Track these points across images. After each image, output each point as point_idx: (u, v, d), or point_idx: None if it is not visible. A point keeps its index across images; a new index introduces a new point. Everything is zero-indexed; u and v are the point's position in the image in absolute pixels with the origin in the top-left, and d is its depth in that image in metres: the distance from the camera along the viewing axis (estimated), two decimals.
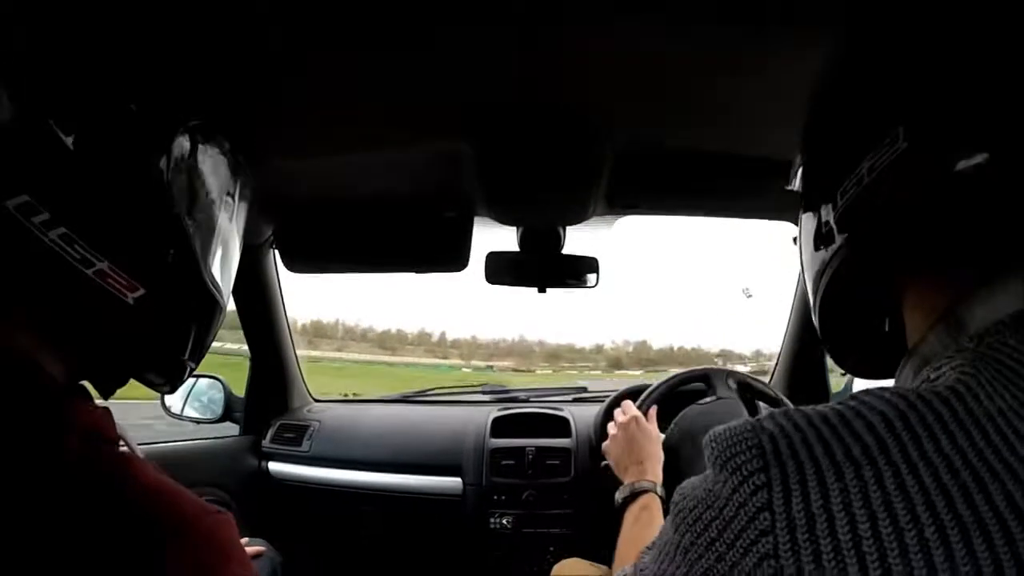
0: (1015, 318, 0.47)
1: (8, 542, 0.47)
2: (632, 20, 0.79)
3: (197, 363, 0.72)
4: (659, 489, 1.22)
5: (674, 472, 1.41)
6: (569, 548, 1.84)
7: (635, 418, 1.41)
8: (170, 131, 0.61)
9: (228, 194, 0.71)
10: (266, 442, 2.08)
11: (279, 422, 2.12)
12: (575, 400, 2.29)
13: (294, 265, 1.65)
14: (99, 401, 0.61)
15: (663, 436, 1.43)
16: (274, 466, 2.04)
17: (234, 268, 0.76)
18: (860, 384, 1.87)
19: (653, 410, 1.50)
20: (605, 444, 1.43)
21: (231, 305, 0.79)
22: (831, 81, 0.64)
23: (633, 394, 1.74)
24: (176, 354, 0.67)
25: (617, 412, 1.47)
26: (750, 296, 3.32)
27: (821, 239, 0.62)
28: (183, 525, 0.53)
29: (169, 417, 2.03)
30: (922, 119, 0.50)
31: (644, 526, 1.14)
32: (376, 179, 1.40)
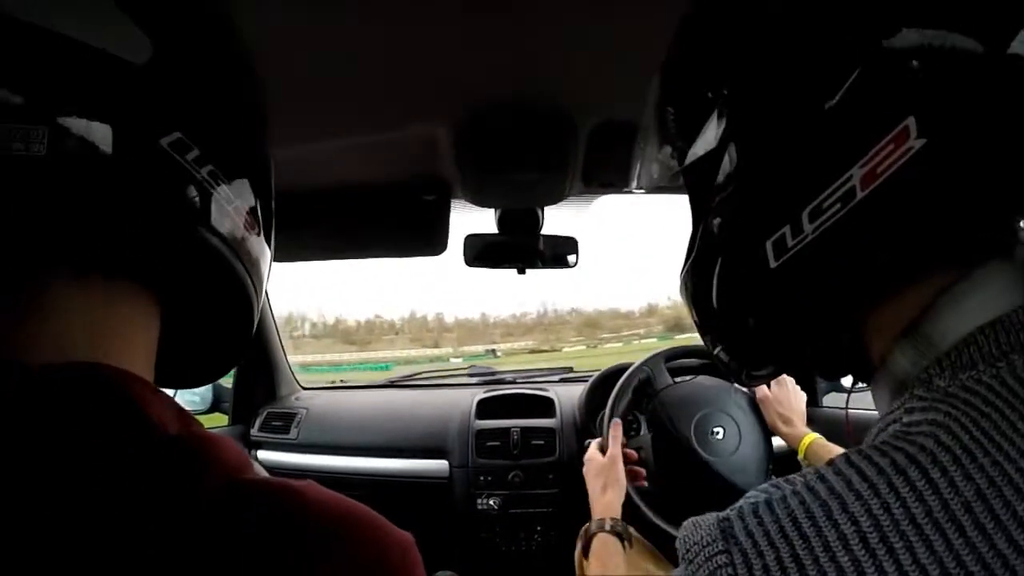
0: (986, 335, 0.42)
1: None
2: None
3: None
4: (608, 524, 1.25)
5: (663, 419, 1.53)
6: (556, 527, 1.87)
7: (590, 458, 1.43)
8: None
9: None
10: (254, 431, 2.08)
11: (267, 411, 2.12)
12: (561, 380, 2.31)
13: (273, 253, 1.63)
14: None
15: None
16: (263, 454, 2.05)
17: None
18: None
19: (616, 427, 1.47)
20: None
21: None
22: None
23: (616, 373, 1.75)
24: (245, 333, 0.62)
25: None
26: None
27: (763, 265, 0.50)
28: (379, 565, 0.44)
29: None
30: (939, 106, 0.40)
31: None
32: (352, 165, 1.40)
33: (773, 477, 1.50)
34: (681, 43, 0.62)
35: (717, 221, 0.55)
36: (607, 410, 1.57)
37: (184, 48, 0.50)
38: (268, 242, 0.63)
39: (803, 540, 0.38)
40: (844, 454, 0.42)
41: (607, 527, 1.23)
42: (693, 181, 0.60)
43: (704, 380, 1.62)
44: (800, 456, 1.43)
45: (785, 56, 0.48)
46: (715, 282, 0.56)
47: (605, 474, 1.36)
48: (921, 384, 0.45)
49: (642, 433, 1.58)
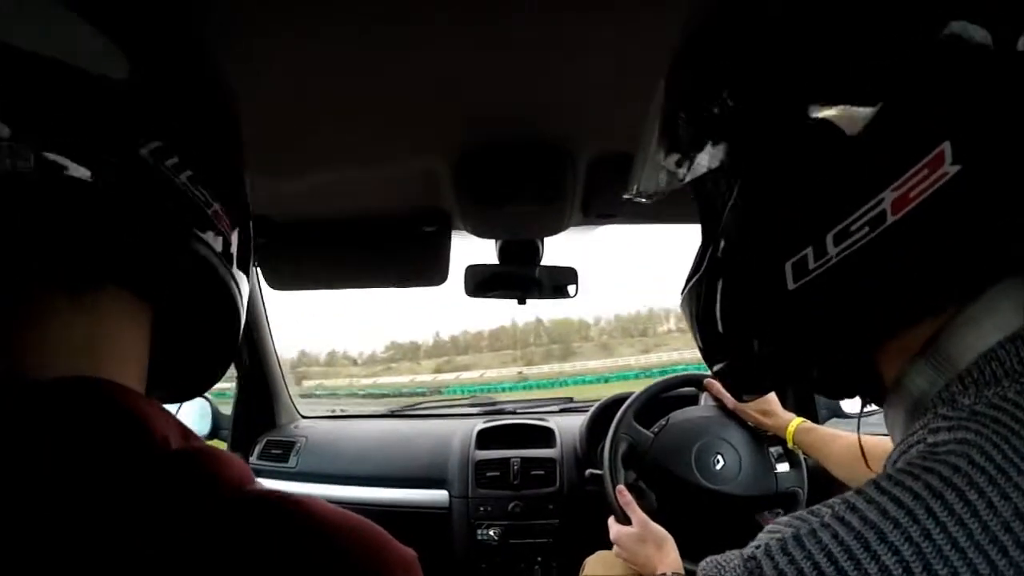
0: (1007, 350, 0.42)
1: None
2: (606, 31, 0.80)
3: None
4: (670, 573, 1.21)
5: (663, 474, 1.50)
6: (556, 558, 1.85)
7: (619, 535, 1.36)
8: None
9: None
10: (253, 459, 2.07)
11: (266, 439, 2.12)
12: (562, 411, 2.30)
13: (276, 282, 1.65)
14: None
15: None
16: (261, 483, 2.03)
17: None
18: None
19: (621, 494, 1.42)
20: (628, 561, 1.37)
21: None
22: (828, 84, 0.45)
23: (617, 402, 1.75)
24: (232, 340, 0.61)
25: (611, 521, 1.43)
26: None
27: (780, 286, 0.48)
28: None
29: None
30: (975, 132, 0.39)
31: None
32: (354, 196, 1.41)
33: (777, 477, 1.50)
34: (692, 42, 0.58)
35: (730, 238, 0.53)
36: (606, 482, 1.52)
37: (160, 66, 0.50)
38: (245, 266, 0.61)
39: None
40: (872, 481, 0.40)
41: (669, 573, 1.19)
42: (703, 194, 0.58)
43: (683, 415, 1.60)
44: (789, 443, 1.42)
45: (812, 66, 0.45)
46: (724, 301, 0.54)
47: (651, 537, 1.30)
48: (944, 403, 0.44)
49: (644, 488, 1.55)
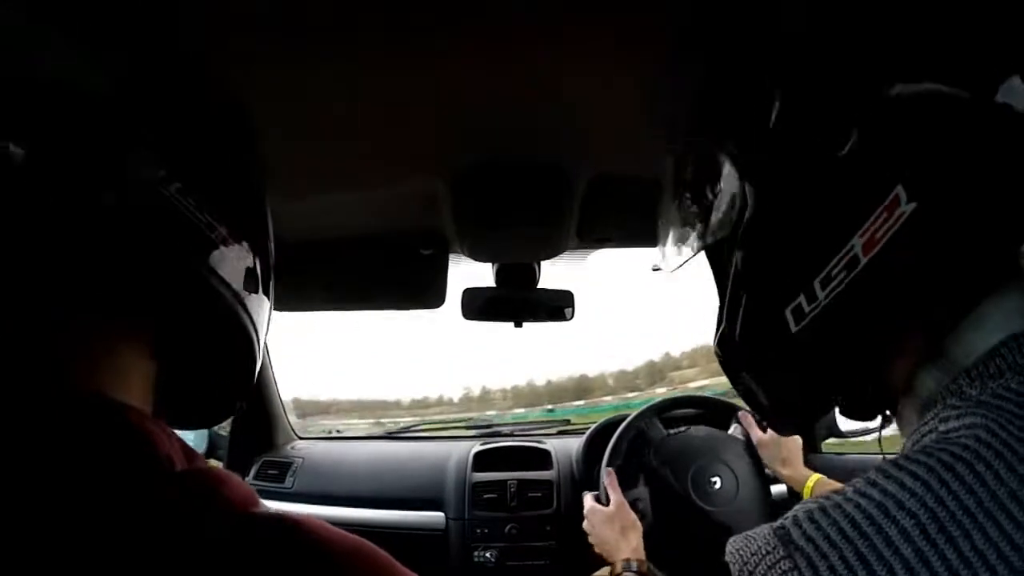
0: (1009, 348, 0.45)
1: None
2: (606, 54, 0.82)
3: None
4: (634, 565, 1.26)
5: (660, 482, 1.53)
6: None
7: (591, 511, 1.45)
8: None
9: None
10: (249, 479, 2.06)
11: (262, 459, 2.11)
12: (559, 433, 2.30)
13: (274, 303, 1.64)
14: None
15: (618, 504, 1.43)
16: (266, 504, 2.02)
17: None
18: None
19: (610, 475, 1.52)
20: (591, 539, 1.46)
21: None
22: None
23: (613, 424, 1.76)
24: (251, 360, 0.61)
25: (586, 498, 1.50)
26: None
27: (785, 331, 0.54)
28: None
29: None
30: (924, 171, 0.44)
31: None
32: (353, 218, 1.42)
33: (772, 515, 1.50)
34: (693, 114, 0.67)
35: (738, 294, 0.60)
36: (603, 465, 1.56)
37: (164, 86, 0.51)
38: (267, 290, 0.62)
39: (864, 538, 0.39)
40: (890, 461, 0.44)
41: (633, 568, 1.23)
42: (714, 257, 0.66)
43: (699, 430, 1.64)
44: (806, 498, 1.42)
45: (784, 130, 0.52)
46: (743, 351, 0.62)
47: (619, 519, 1.37)
48: (952, 394, 0.47)
49: (639, 486, 1.58)
